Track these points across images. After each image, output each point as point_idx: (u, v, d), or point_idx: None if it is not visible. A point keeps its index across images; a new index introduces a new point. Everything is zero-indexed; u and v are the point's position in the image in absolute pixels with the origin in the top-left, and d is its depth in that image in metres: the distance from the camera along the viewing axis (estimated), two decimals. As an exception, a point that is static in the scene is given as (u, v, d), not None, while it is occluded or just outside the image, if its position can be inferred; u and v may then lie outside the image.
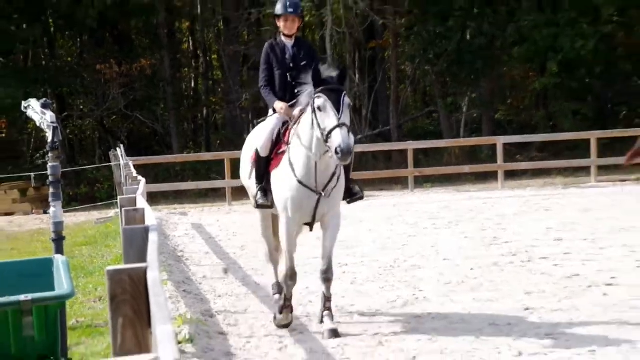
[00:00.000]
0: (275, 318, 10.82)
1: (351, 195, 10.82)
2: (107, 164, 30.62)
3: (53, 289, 8.49)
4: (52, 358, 8.20)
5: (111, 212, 24.07)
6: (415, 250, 16.80)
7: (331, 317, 10.47)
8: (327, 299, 10.55)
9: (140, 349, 4.61)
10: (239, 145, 39.21)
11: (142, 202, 11.06)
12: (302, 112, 10.27)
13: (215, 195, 31.00)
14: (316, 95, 9.64)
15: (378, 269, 14.90)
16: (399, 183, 30.59)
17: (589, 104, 40.91)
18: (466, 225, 20.22)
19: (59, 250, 11.69)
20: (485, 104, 40.69)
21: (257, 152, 10.65)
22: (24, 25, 38.75)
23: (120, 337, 4.71)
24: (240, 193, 30.69)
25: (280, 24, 10.90)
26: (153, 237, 7.05)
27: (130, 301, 4.76)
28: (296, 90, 10.44)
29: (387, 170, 32.99)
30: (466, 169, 32.26)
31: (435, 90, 42.29)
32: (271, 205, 10.65)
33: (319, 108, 9.57)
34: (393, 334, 10.74)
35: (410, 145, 31.82)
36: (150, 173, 28.27)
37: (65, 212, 13.27)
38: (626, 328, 10.49)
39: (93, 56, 40.33)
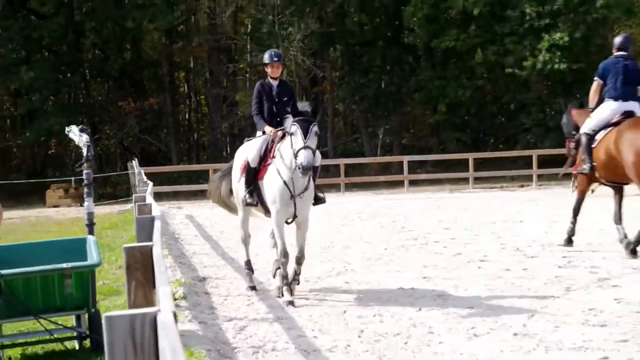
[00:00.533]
0: (281, 294, 10.11)
1: (317, 200, 10.61)
2: (126, 172, 30.12)
3: (86, 260, 8.24)
4: (85, 308, 7.99)
5: (128, 206, 23.62)
6: (345, 235, 16.58)
7: (290, 291, 10.00)
8: (296, 274, 10.23)
9: (148, 304, 4.51)
10: (220, 160, 39.31)
11: (150, 199, 10.87)
12: (284, 135, 10.13)
13: (202, 195, 30.54)
14: (292, 123, 9.64)
15: (319, 248, 14.63)
16: (334, 188, 30.49)
17: (467, 134, 41.01)
18: (381, 218, 20.02)
19: (91, 232, 11.55)
20: (395, 133, 40.63)
21: (247, 163, 10.39)
22: (68, 74, 38.30)
23: (133, 295, 4.63)
24: None
25: (268, 69, 10.77)
26: (157, 224, 7.03)
27: (141, 269, 4.68)
28: (278, 119, 10.50)
29: (325, 178, 32.87)
30: (381, 178, 32.01)
31: (360, 122, 42.09)
32: (256, 204, 10.41)
33: (292, 133, 9.54)
34: (330, 293, 10.49)
35: (342, 161, 31.71)
36: (156, 179, 27.75)
37: (95, 205, 12.97)
38: (494, 291, 10.39)
39: (116, 96, 39.97)
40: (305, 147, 9.31)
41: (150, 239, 5.97)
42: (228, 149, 43.58)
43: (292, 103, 10.56)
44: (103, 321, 2.75)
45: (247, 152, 10.68)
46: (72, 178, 29.18)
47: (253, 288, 10.84)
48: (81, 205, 19.75)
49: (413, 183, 31.96)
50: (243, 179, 10.50)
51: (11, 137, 40.86)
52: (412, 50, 38.59)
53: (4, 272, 7.45)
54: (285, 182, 9.80)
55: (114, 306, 9.27)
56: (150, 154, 39.39)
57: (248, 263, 11.18)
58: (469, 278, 11.00)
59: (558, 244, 13.56)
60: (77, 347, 8.20)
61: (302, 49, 36.28)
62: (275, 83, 10.70)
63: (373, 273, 12.25)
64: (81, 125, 13.30)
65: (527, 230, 16.09)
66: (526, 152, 30.65)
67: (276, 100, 10.57)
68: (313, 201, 10.47)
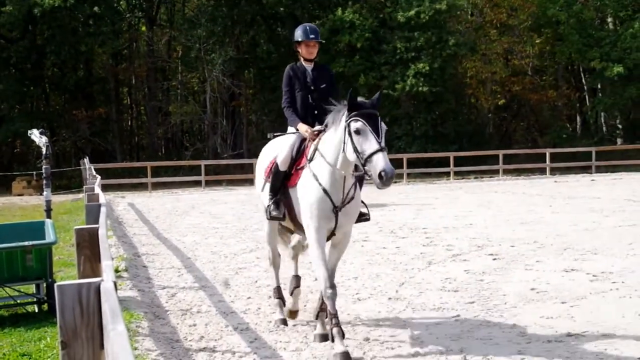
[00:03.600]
0: (331, 339, 5.82)
1: (360, 216, 6.52)
2: (78, 168, 29.39)
3: (44, 239, 7.86)
4: (43, 279, 7.70)
5: (80, 195, 22.95)
6: (257, 220, 16.26)
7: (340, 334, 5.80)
8: (323, 301, 6.13)
9: (94, 275, 4.36)
10: (156, 159, 39.22)
11: (97, 190, 10.26)
12: (322, 131, 6.23)
13: (142, 187, 30.11)
14: (353, 118, 5.65)
15: (236, 231, 14.42)
16: (247, 182, 30.37)
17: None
18: None
19: (49, 216, 11.20)
20: None
21: (275, 166, 6.47)
22: (31, 87, 37.32)
23: (82, 268, 4.49)
24: (157, 186, 30.61)
25: (302, 49, 6.75)
26: (103, 210, 6.78)
27: (89, 246, 4.52)
28: (315, 112, 6.60)
29: (241, 174, 32.75)
30: (148, 169, 31.44)
31: (268, 130, 42.14)
32: (283, 217, 6.46)
33: (356, 131, 5.59)
34: (245, 267, 10.24)
35: (255, 161, 31.67)
36: (104, 174, 27.11)
37: (53, 194, 12.51)
38: (374, 264, 10.33)
39: (71, 106, 39.01)
40: (382, 150, 5.49)
41: (97, 222, 5.77)
42: (162, 150, 43.09)
43: (332, 91, 6.77)
44: (55, 288, 2.69)
45: (274, 151, 6.79)
46: (34, 172, 28.37)
47: (284, 322, 6.91)
48: (41, 195, 19.00)
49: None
50: (268, 185, 6.63)
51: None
52: None
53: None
54: (325, 191, 5.95)
55: (67, 277, 8.93)
56: (99, 153, 38.43)
57: (278, 290, 7.11)
58: (354, 254, 10.73)
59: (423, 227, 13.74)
60: (36, 310, 7.87)
61: (223, 71, 35.89)
62: (309, 67, 6.77)
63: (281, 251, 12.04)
64: (41, 129, 12.92)
65: (399, 217, 16.20)
66: (398, 156, 31.07)
67: (312, 88, 6.73)
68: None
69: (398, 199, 20.80)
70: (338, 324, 5.74)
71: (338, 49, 35.94)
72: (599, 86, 39.80)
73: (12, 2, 31.71)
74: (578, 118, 44.14)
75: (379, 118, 5.68)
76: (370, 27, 33.74)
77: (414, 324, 6.69)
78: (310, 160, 6.15)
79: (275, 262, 7.27)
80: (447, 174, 31.74)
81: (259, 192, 6.97)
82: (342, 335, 5.73)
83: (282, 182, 6.38)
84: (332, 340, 5.78)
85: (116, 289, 2.90)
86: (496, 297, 7.68)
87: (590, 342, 5.78)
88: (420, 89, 33.41)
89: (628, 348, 5.59)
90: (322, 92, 6.65)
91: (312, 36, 6.67)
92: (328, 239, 6.16)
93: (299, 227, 6.40)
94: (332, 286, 5.91)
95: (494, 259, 10.10)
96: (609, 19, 40.94)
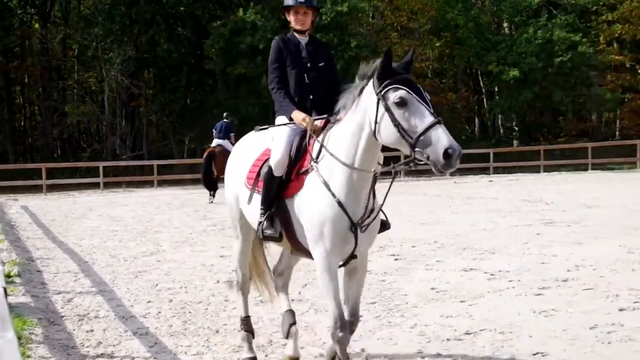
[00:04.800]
0: None
1: (381, 225, 4.95)
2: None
3: None
4: None
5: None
6: (157, 222, 16.09)
7: None
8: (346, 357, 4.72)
9: None
10: (52, 160, 38.00)
11: None
12: (331, 122, 4.80)
13: (36, 189, 29.05)
14: (391, 86, 4.16)
15: (135, 234, 14.14)
16: (148, 184, 29.85)
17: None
18: (187, 208, 19.67)
19: None
20: (199, 140, 40.67)
21: (269, 171, 4.88)
22: None
23: None
24: (52, 188, 29.63)
25: (291, 17, 5.23)
26: None
27: None
28: (311, 96, 5.14)
29: (140, 176, 32.19)
30: (187, 176, 31.50)
31: (169, 131, 41.61)
32: (280, 237, 4.95)
33: (399, 103, 4.10)
34: (144, 270, 10.03)
35: (155, 162, 31.15)
36: (-5, 176, 26.23)
37: None
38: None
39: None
40: (439, 122, 4.05)
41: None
42: (58, 151, 42.00)
43: (332, 71, 5.31)
44: None
45: (256, 150, 5.30)
46: None
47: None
48: None
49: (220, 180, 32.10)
50: (258, 196, 5.03)
51: None
52: (211, 74, 38.58)
53: None
54: (340, 203, 4.49)
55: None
56: (-9, 154, 37.31)
57: (246, 321, 5.76)
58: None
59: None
60: None
61: (121, 71, 35.27)
62: (304, 40, 5.24)
63: (180, 252, 11.80)
64: None
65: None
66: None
67: (308, 65, 5.17)
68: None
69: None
70: None
71: (240, 50, 36.04)
72: (496, 89, 41.49)
73: None
74: (476, 120, 45.82)
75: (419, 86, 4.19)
76: (272, 28, 33.88)
77: (317, 325, 6.75)
78: (317, 161, 4.67)
79: (244, 288, 5.84)
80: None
81: (239, 205, 5.41)
82: None
83: (277, 193, 4.86)
84: None
85: (6, 294, 2.80)
86: (397, 297, 7.88)
87: (487, 340, 6.00)
88: (322, 89, 34.42)
89: (523, 345, 5.83)
90: (320, 71, 5.18)
91: (301, 0, 5.13)
92: (345, 263, 4.75)
93: (299, 249, 4.94)
94: (344, 327, 4.59)
95: (396, 259, 10.35)
96: (505, 24, 42.70)
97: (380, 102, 4.21)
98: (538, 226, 13.07)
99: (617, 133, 44.89)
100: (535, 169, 33.06)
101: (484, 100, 43.80)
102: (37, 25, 39.40)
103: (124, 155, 35.92)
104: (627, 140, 38.53)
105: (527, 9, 40.38)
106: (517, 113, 41.92)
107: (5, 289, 2.96)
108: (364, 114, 4.36)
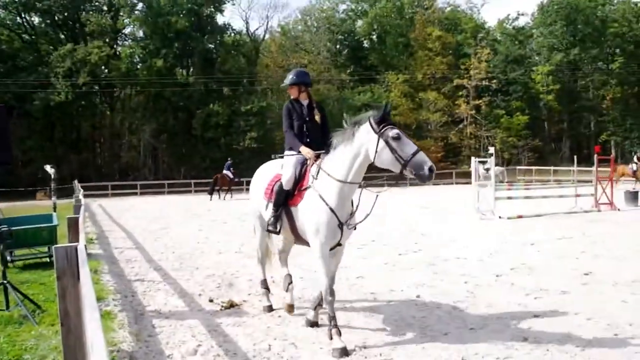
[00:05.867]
0: (330, 338, 5.98)
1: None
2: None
3: (52, 222, 11.21)
4: (51, 244, 10.38)
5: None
6: (165, 213, 23.55)
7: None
8: (332, 317, 6.06)
9: (76, 241, 5.62)
10: (115, 180, 45.39)
11: (80, 197, 14.03)
12: (324, 153, 6.29)
13: (105, 195, 40.12)
14: (388, 126, 5.64)
15: (155, 217, 20.62)
16: (160, 193, 41.01)
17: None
18: (181, 205, 27.90)
19: (54, 211, 16.22)
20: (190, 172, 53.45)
21: (280, 185, 6.48)
22: None
23: (71, 237, 6.31)
24: (114, 195, 36.89)
25: (289, 91, 6.87)
26: (82, 209, 9.29)
27: (74, 227, 6.28)
28: (308, 140, 6.63)
29: (154, 188, 43.73)
30: (109, 186, 44.02)
31: (174, 166, 54.39)
32: (278, 232, 6.64)
33: (395, 137, 5.57)
34: (161, 235, 14.99)
35: (166, 182, 46.05)
36: None
37: (57, 199, 19.17)
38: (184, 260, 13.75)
39: None
40: (420, 150, 5.60)
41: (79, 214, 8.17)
42: (117, 175, 53.17)
43: (325, 124, 6.88)
44: (54, 249, 3.64)
45: (271, 173, 7.04)
46: (47, 187, 36.28)
47: (270, 308, 7.51)
48: (51, 200, 22.74)
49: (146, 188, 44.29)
50: (269, 204, 6.72)
51: None
52: (195, 137, 51.35)
53: (14, 228, 9.12)
54: (332, 210, 5.96)
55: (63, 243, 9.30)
56: None
57: (264, 282, 7.75)
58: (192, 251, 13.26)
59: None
60: (48, 261, 10.66)
61: (150, 134, 55.10)
62: (305, 102, 6.90)
63: (180, 228, 17.52)
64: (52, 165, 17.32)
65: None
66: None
67: (307, 119, 6.80)
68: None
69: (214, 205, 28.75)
70: (336, 325, 6.05)
71: (210, 124, 52.18)
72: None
73: None
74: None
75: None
76: (224, 115, 53.01)
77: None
78: (314, 181, 6.19)
79: (262, 261, 7.81)
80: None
81: (259, 212, 7.24)
82: (339, 333, 5.98)
83: (284, 200, 6.46)
84: (331, 338, 5.97)
85: (86, 248, 4.47)
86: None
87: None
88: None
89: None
90: (315, 124, 6.82)
91: (288, 83, 6.88)
92: (332, 249, 6.25)
93: (299, 239, 6.59)
94: (332, 293, 6.15)
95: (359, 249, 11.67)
96: None
97: (380, 137, 5.70)
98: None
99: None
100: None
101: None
102: (108, 112, 57.11)
103: (150, 177, 52.62)
104: None
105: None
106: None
107: (85, 246, 4.97)
108: (359, 146, 5.88)
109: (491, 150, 18.85)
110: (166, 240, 14.66)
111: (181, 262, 11.41)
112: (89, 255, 10.53)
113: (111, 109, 57.10)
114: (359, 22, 70.90)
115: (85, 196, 29.40)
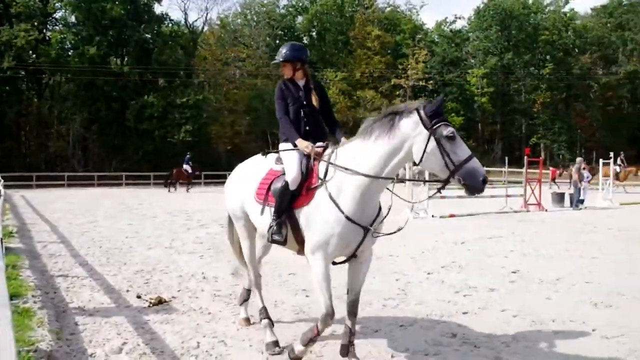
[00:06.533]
0: (292, 350, 5.34)
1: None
2: None
3: None
4: None
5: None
6: (93, 205, 23.47)
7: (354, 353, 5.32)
8: (352, 333, 5.31)
9: None
10: (41, 171, 43.19)
11: None
12: (327, 146, 5.36)
13: (30, 186, 37.99)
14: (442, 123, 4.59)
15: (83, 210, 20.82)
16: (87, 186, 36.48)
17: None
18: (110, 197, 28.36)
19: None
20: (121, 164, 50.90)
21: (284, 185, 5.20)
22: None
23: None
24: (38, 186, 35.38)
25: (282, 69, 5.72)
26: None
27: None
28: (307, 128, 5.56)
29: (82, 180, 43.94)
30: (34, 176, 43.65)
31: (105, 157, 53.43)
32: (285, 242, 5.28)
33: (449, 137, 4.56)
34: (87, 229, 15.04)
35: (96, 174, 45.73)
36: None
37: None
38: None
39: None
40: (474, 155, 4.63)
41: None
42: (44, 166, 51.13)
43: (325, 108, 5.73)
44: None
45: (261, 168, 5.74)
46: None
47: (276, 344, 5.80)
48: None
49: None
50: (268, 208, 5.41)
51: None
52: (128, 128, 50.98)
53: None
54: (349, 218, 4.86)
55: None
56: None
57: (265, 311, 6.13)
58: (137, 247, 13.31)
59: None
60: None
61: (80, 124, 53.67)
62: (302, 82, 5.73)
63: (108, 221, 18.08)
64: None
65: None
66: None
67: (304, 102, 5.63)
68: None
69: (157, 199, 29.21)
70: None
71: (144, 115, 51.81)
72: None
73: None
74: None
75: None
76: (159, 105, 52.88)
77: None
78: (326, 179, 5.04)
79: (258, 283, 6.29)
80: None
81: (244, 213, 5.94)
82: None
83: (289, 203, 5.19)
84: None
85: (2, 242, 5.32)
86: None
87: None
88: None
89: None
90: (314, 108, 5.63)
91: (280, 59, 5.71)
92: (345, 261, 5.24)
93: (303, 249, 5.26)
94: (332, 315, 5.02)
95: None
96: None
97: (432, 134, 4.59)
98: None
99: None
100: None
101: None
102: (35, 99, 55.81)
103: (79, 169, 51.98)
104: None
105: None
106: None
107: (1, 239, 5.15)
108: (402, 141, 4.74)
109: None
110: (93, 234, 14.50)
111: (108, 257, 11.33)
112: (7, 249, 10.21)
113: (39, 96, 55.55)
114: (299, 18, 71.28)
115: (6, 187, 28.45)
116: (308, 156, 5.34)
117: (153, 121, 52.23)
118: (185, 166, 37.25)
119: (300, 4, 71.32)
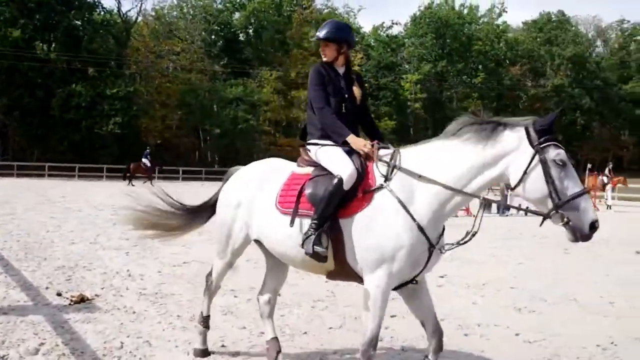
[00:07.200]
0: None
1: None
2: None
3: None
4: None
5: None
6: (11, 196, 22.26)
7: None
8: None
9: None
10: None
11: None
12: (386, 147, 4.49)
13: None
14: (552, 143, 3.78)
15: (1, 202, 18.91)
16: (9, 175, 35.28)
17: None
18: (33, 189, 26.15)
19: None
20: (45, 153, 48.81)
21: (338, 183, 4.19)
22: None
23: None
24: None
25: (323, 49, 4.81)
26: None
27: None
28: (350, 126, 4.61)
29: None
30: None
31: (25, 146, 48.06)
32: (326, 258, 4.27)
33: (561, 163, 3.74)
34: (5, 222, 14.04)
35: (16, 163, 43.07)
36: None
37: None
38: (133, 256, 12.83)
39: None
40: (587, 192, 3.82)
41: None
42: None
43: (366, 104, 4.92)
44: None
45: (278, 171, 4.84)
46: None
47: (205, 353, 5.46)
48: None
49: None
50: (299, 219, 4.42)
51: None
52: (52, 117, 49.81)
53: None
54: (421, 227, 4.07)
55: None
56: None
57: (206, 320, 5.54)
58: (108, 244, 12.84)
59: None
60: None
61: None
62: (341, 70, 4.82)
63: (29, 213, 17.41)
64: None
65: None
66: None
67: (346, 95, 4.69)
68: None
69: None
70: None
71: (72, 105, 50.86)
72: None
73: None
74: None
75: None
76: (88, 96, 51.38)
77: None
78: (388, 180, 4.21)
79: (211, 293, 5.57)
80: None
81: (244, 233, 5.03)
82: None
83: (335, 209, 4.29)
84: None
85: None
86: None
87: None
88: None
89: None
90: (355, 102, 4.77)
91: (321, 36, 4.83)
92: (401, 286, 4.40)
93: (342, 272, 4.47)
94: (376, 347, 4.31)
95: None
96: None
97: (538, 154, 3.81)
98: None
99: None
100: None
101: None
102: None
103: None
104: None
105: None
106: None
107: None
108: (499, 155, 3.96)
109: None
110: (11, 227, 13.84)
111: (27, 251, 10.83)
112: None
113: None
114: (237, 15, 70.81)
115: None
116: (358, 155, 4.45)
117: (80, 111, 50.91)
118: (144, 160, 38.43)
119: (238, 1, 70.90)
